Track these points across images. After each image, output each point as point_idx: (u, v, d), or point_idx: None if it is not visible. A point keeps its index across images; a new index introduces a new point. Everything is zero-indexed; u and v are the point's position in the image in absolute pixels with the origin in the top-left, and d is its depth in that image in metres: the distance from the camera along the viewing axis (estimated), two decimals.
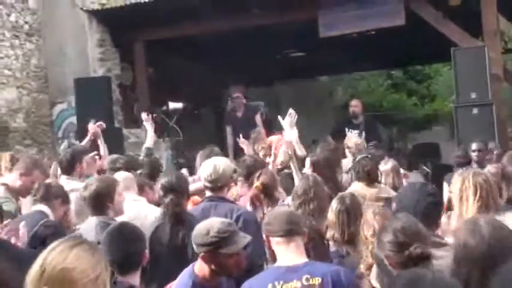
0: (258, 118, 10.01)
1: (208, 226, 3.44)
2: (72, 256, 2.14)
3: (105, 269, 2.22)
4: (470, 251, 2.46)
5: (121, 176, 5.11)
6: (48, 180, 4.96)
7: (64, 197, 4.84)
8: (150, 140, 7.23)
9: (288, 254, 3.32)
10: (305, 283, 3.16)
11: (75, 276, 2.11)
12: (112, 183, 4.43)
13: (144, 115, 7.49)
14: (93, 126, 7.23)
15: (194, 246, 3.44)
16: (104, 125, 7.39)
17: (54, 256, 2.14)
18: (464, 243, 2.48)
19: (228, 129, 10.25)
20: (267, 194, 5.02)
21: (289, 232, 3.33)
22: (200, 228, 3.46)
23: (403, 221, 2.97)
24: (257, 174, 5.16)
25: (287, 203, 5.07)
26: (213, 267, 3.41)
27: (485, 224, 2.49)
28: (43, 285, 2.09)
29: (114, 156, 6.59)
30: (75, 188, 5.34)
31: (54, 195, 4.75)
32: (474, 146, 7.52)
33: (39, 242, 4.11)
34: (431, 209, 3.47)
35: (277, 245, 3.36)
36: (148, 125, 7.33)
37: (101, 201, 4.29)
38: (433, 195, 3.57)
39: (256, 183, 5.02)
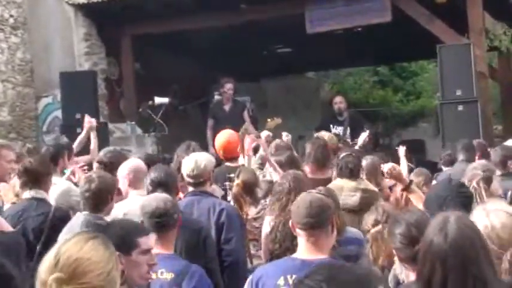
0: (245, 115, 9.91)
1: None
2: (87, 247, 2.16)
3: (116, 265, 2.24)
4: (433, 249, 2.32)
5: (132, 165, 5.04)
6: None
7: (49, 169, 4.83)
8: None
9: (307, 246, 3.25)
10: None
11: (89, 266, 2.12)
12: (114, 182, 4.41)
13: None
14: (89, 120, 7.25)
15: None
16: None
17: (69, 247, 2.16)
18: (430, 240, 2.34)
19: (210, 122, 10.14)
20: (248, 191, 5.02)
21: (308, 226, 3.25)
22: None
23: (417, 214, 2.97)
24: (237, 172, 5.17)
25: (268, 202, 5.09)
26: None
27: (453, 222, 2.34)
28: (57, 272, 2.10)
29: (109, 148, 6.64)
30: (56, 182, 5.35)
31: (46, 174, 4.73)
32: None
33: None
34: (464, 205, 3.47)
35: (299, 236, 3.30)
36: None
37: (102, 199, 4.23)
38: (464, 192, 3.60)
39: (237, 181, 5.03)
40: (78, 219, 4.21)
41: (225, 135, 6.68)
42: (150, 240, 3.13)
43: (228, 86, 9.96)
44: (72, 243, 2.17)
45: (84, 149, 7.24)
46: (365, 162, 5.76)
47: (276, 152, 6.25)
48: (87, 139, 7.37)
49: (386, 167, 4.89)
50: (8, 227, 3.71)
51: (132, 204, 4.69)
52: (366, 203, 4.80)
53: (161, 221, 3.59)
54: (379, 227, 3.52)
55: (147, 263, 3.05)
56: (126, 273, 3.01)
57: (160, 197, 3.81)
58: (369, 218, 3.77)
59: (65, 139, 7.66)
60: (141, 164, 5.14)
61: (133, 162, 5.17)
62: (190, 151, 5.75)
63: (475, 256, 2.29)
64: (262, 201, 5.15)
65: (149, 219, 3.60)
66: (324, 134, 7.44)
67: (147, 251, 3.07)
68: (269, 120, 7.65)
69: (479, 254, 2.31)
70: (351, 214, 4.84)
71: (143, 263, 3.04)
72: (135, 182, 4.84)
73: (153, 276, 3.43)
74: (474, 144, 7.06)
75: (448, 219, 2.37)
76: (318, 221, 3.25)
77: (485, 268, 2.29)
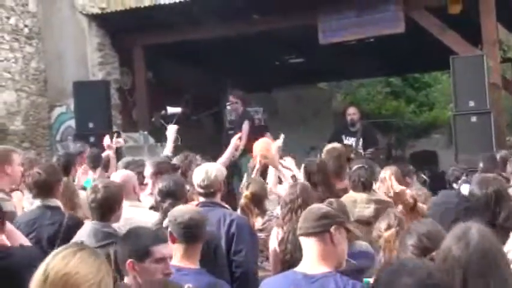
0: (245, 126, 9.79)
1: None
2: (75, 261, 2.16)
3: (108, 274, 2.24)
4: (452, 258, 2.34)
5: (120, 176, 5.02)
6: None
7: (59, 176, 4.80)
8: (170, 148, 7.21)
9: (310, 257, 3.18)
10: None
11: (78, 280, 2.13)
12: (120, 190, 4.39)
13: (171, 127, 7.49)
14: (110, 141, 7.34)
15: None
16: (122, 142, 7.57)
17: (56, 262, 2.16)
18: (449, 248, 2.37)
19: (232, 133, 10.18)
20: (257, 203, 5.02)
21: (303, 231, 3.21)
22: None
23: (428, 226, 2.97)
24: (246, 184, 5.17)
25: (276, 214, 5.09)
26: None
27: (475, 233, 2.37)
28: None
29: (128, 159, 6.67)
30: None
31: (56, 182, 4.72)
32: None
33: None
34: (463, 215, 3.46)
35: (302, 244, 3.24)
36: (171, 135, 7.33)
37: (109, 207, 4.21)
38: (467, 201, 3.60)
39: (246, 193, 5.03)
40: (86, 228, 4.22)
41: (263, 144, 6.61)
42: (165, 249, 3.12)
43: (230, 98, 10.12)
44: (59, 258, 2.17)
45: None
46: (389, 171, 5.69)
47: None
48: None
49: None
50: (26, 241, 3.71)
51: None
52: (381, 214, 4.78)
53: (192, 232, 3.58)
54: (392, 230, 3.50)
55: (162, 272, 3.04)
56: (140, 281, 3.02)
57: (192, 209, 3.83)
58: (381, 224, 3.76)
59: (87, 147, 7.72)
60: (130, 175, 5.12)
61: (122, 173, 5.18)
62: (187, 162, 5.77)
63: (495, 265, 2.30)
64: (269, 212, 5.15)
65: (181, 229, 3.59)
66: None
67: (161, 260, 3.06)
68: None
69: (499, 263, 2.32)
70: (367, 225, 4.84)
71: (157, 271, 3.03)
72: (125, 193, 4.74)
73: None
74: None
75: (470, 229, 2.40)
76: (312, 227, 3.19)
77: (507, 276, 2.30)
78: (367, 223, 4.93)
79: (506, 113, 12.24)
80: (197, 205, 4.62)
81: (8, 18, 10.30)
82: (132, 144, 10.59)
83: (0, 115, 10.04)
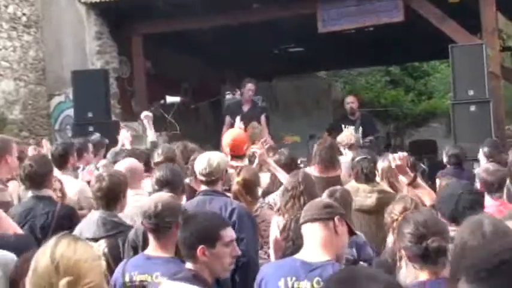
0: (263, 119, 9.75)
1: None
2: (80, 248, 2.19)
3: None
4: (470, 248, 2.38)
5: (127, 164, 5.02)
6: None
7: (50, 167, 4.83)
8: (152, 134, 7.23)
9: (310, 245, 3.21)
10: (316, 286, 3.06)
11: (90, 265, 2.17)
12: (125, 179, 4.39)
13: (143, 113, 7.50)
14: (126, 134, 7.34)
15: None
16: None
17: (63, 249, 2.17)
18: (464, 241, 2.43)
19: (228, 120, 9.97)
20: (248, 190, 5.02)
21: (307, 218, 3.23)
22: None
23: (425, 214, 3.02)
24: (238, 170, 5.17)
25: (267, 201, 5.09)
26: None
27: (489, 224, 2.44)
28: (62, 278, 2.11)
29: (117, 149, 6.67)
30: (69, 181, 5.44)
31: (48, 173, 4.74)
32: None
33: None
34: (473, 207, 3.52)
35: (304, 231, 3.27)
36: (146, 122, 7.34)
37: (114, 196, 4.22)
38: (477, 194, 3.70)
39: (237, 179, 5.03)
40: (93, 216, 4.22)
41: (233, 133, 6.69)
42: (231, 232, 3.16)
43: (249, 87, 9.93)
44: (64, 246, 2.17)
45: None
46: (382, 164, 5.71)
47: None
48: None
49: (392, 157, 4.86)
50: (17, 228, 3.71)
51: None
52: (382, 203, 4.80)
53: (151, 223, 3.53)
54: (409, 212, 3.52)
55: (230, 255, 3.10)
56: (211, 266, 3.04)
57: (156, 198, 3.73)
58: (395, 207, 3.75)
59: (97, 135, 7.74)
60: (137, 164, 5.15)
61: (128, 161, 5.18)
62: (188, 152, 5.78)
63: None
64: (261, 199, 5.15)
65: (144, 219, 3.58)
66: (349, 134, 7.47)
67: (230, 243, 3.11)
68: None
69: None
70: (367, 215, 4.85)
71: (226, 255, 3.08)
72: (130, 181, 4.70)
73: (149, 279, 3.43)
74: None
75: (483, 219, 2.50)
76: (318, 214, 3.21)
77: None
78: (368, 212, 4.96)
79: (506, 102, 12.25)
80: (198, 193, 4.62)
81: (6, 6, 10.27)
82: (131, 133, 10.58)
83: None
